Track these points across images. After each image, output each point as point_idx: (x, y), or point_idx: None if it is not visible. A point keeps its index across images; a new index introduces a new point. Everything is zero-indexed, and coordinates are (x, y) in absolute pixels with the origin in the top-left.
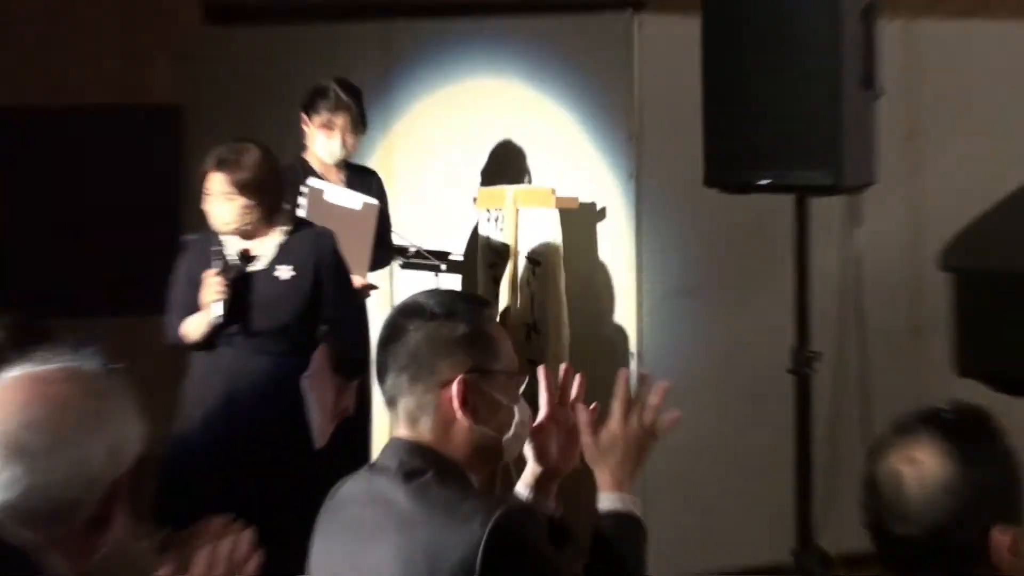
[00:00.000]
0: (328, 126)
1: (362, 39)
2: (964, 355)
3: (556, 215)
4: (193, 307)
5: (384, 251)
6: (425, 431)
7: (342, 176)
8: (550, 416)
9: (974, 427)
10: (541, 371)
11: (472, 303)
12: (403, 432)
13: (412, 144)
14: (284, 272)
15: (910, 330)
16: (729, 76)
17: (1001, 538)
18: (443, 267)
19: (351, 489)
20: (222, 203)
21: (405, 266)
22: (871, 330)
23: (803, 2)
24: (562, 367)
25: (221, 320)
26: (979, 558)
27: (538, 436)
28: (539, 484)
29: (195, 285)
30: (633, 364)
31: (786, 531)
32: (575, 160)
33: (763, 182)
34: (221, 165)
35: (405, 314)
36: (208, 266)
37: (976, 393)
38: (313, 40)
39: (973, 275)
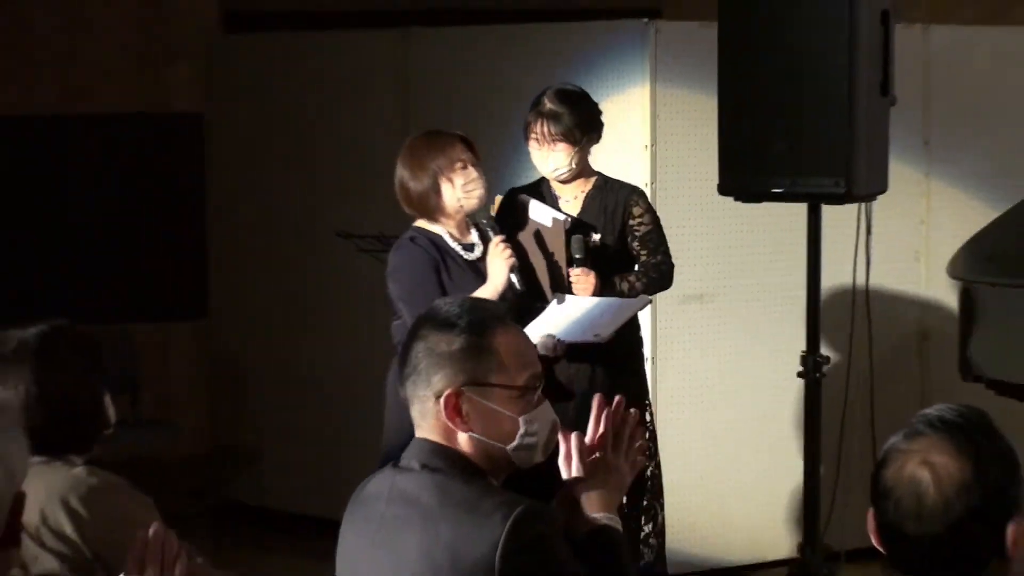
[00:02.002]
0: (535, 138)
1: (378, 46)
2: (970, 361)
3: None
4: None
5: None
6: (434, 435)
7: (581, 191)
8: (603, 455)
9: (979, 428)
10: (596, 399)
11: (482, 314)
12: (421, 433)
13: None
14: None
15: (918, 336)
16: (744, 84)
17: (1014, 529)
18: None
19: (376, 487)
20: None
21: (360, 251)
22: (879, 335)
23: (819, 8)
24: (617, 398)
25: (524, 290)
26: (992, 550)
27: (589, 469)
28: (566, 502)
29: (434, 276)
30: (648, 368)
31: (794, 528)
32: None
33: (776, 190)
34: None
35: (421, 320)
36: (434, 258)
37: (980, 397)
38: (328, 46)
39: (979, 285)
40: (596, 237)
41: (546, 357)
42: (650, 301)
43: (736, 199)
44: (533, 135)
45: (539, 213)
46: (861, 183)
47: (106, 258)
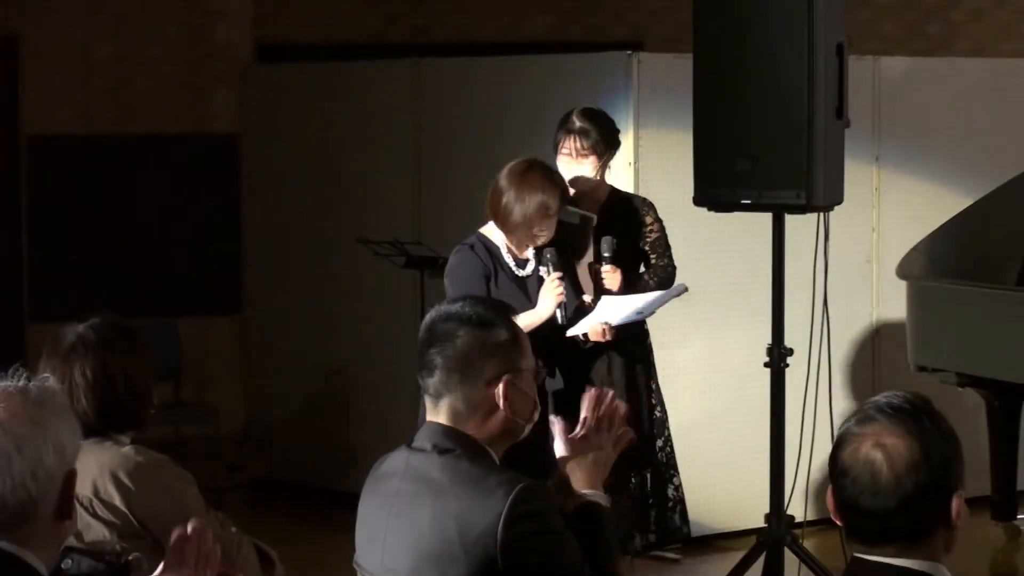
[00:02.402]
0: (567, 153)
1: (393, 74)
2: (917, 353)
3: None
4: None
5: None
6: (464, 420)
7: (598, 201)
8: (587, 435)
9: (924, 412)
10: (592, 391)
11: (505, 311)
12: (439, 419)
13: (445, 174)
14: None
15: (870, 330)
16: (716, 107)
17: (957, 501)
18: (403, 259)
19: (392, 464)
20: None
21: (377, 255)
22: (837, 330)
23: (782, 41)
24: (609, 393)
25: (564, 324)
26: (940, 520)
27: (574, 448)
28: (563, 487)
29: (482, 283)
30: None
31: (762, 500)
32: None
33: (745, 202)
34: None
35: (452, 320)
36: (487, 267)
37: (924, 384)
38: (350, 75)
39: (923, 285)
40: (615, 241)
41: (598, 342)
42: (686, 288)
43: (709, 209)
44: (565, 150)
45: (567, 214)
46: (819, 195)
47: (155, 260)
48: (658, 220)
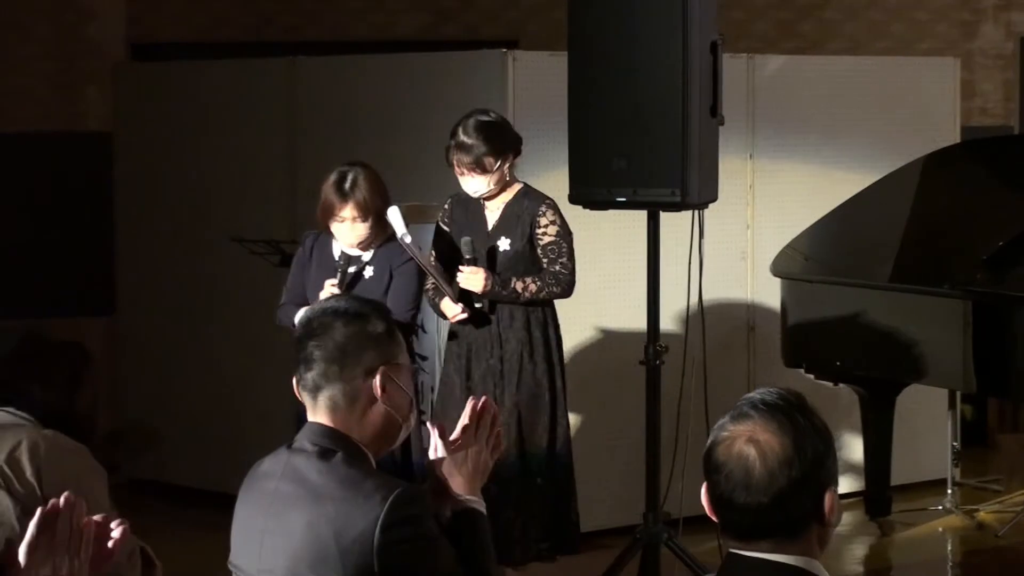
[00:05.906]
0: (455, 164)
1: (268, 73)
2: (790, 349)
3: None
4: (300, 297)
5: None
6: (344, 416)
7: (504, 201)
8: (463, 439)
9: (797, 408)
10: (470, 401)
11: (379, 306)
12: (320, 418)
13: (319, 174)
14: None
15: (745, 327)
16: (590, 106)
17: (830, 497)
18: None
19: (271, 465)
20: (350, 227)
21: (251, 253)
22: (712, 327)
23: (656, 38)
24: (483, 399)
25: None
26: (813, 516)
27: (452, 452)
28: (438, 492)
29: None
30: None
31: (637, 497)
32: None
33: (620, 200)
34: (345, 195)
35: (327, 314)
36: (317, 261)
37: (799, 380)
38: (223, 73)
39: (798, 282)
40: (472, 241)
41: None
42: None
43: (585, 207)
44: (451, 163)
45: (397, 223)
46: (694, 193)
47: (26, 260)
48: (555, 223)
